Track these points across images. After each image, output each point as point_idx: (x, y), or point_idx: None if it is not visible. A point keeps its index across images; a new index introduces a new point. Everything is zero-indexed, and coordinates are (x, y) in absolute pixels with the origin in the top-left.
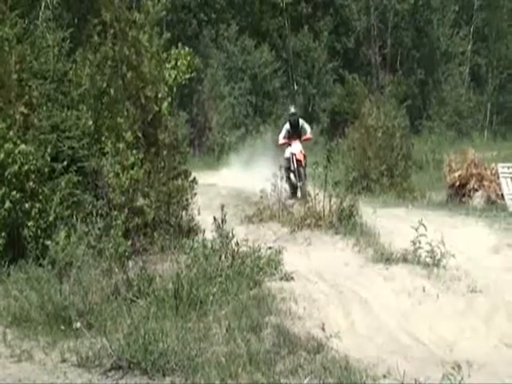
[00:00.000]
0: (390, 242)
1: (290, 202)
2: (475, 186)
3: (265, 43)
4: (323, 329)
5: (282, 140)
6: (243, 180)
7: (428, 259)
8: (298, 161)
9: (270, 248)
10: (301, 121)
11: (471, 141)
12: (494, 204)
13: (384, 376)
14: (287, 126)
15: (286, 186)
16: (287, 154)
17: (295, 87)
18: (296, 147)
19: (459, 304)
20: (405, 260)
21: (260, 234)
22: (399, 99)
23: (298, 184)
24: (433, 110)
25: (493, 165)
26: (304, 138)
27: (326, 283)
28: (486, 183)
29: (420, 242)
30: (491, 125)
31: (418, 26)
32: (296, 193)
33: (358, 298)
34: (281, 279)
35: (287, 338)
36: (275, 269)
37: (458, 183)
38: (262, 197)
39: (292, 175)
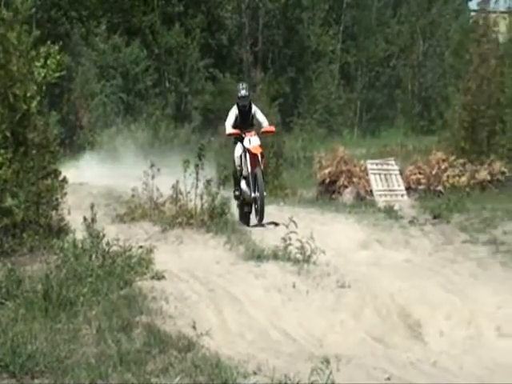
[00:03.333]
0: (262, 239)
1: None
2: (345, 183)
3: (136, 40)
4: (194, 327)
5: (229, 129)
6: (114, 179)
7: (298, 256)
8: (253, 156)
9: (141, 247)
10: (253, 108)
11: (341, 138)
12: (364, 200)
13: (254, 373)
14: (235, 110)
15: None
16: (238, 151)
17: (167, 85)
18: (251, 141)
19: (328, 299)
20: (275, 257)
21: (131, 233)
22: (271, 97)
23: (253, 195)
24: (304, 108)
25: (362, 161)
26: (264, 129)
27: (198, 281)
28: (355, 180)
29: (290, 239)
30: (361, 122)
31: (289, 24)
32: (249, 211)
33: (229, 296)
34: (152, 278)
35: (158, 338)
36: (146, 268)
37: (328, 180)
38: (133, 195)
39: (244, 183)
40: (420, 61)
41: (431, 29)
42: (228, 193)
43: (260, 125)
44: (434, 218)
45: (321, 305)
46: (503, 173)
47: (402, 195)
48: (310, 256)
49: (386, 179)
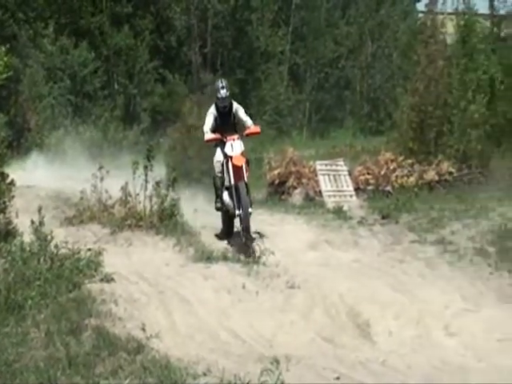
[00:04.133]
0: (211, 240)
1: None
2: (294, 184)
3: (84, 42)
4: (144, 329)
5: (209, 134)
6: (63, 181)
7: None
8: (237, 168)
9: (89, 250)
10: (234, 106)
11: (291, 139)
12: (313, 201)
13: (204, 374)
14: (213, 111)
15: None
16: (218, 156)
17: (116, 87)
18: (234, 147)
19: (278, 300)
20: (225, 258)
21: (80, 236)
22: None
23: (237, 212)
24: (253, 109)
25: (311, 162)
26: (247, 131)
27: (147, 283)
28: (304, 180)
29: None
30: (310, 123)
31: (238, 25)
32: (232, 226)
33: (179, 298)
34: (101, 281)
35: (107, 340)
36: (95, 270)
37: (277, 181)
38: (82, 198)
39: (226, 195)
40: (368, 62)
41: (379, 30)
42: (177, 194)
43: (243, 124)
44: (383, 218)
45: (270, 305)
46: (451, 173)
47: (351, 196)
48: (259, 257)
49: (334, 180)
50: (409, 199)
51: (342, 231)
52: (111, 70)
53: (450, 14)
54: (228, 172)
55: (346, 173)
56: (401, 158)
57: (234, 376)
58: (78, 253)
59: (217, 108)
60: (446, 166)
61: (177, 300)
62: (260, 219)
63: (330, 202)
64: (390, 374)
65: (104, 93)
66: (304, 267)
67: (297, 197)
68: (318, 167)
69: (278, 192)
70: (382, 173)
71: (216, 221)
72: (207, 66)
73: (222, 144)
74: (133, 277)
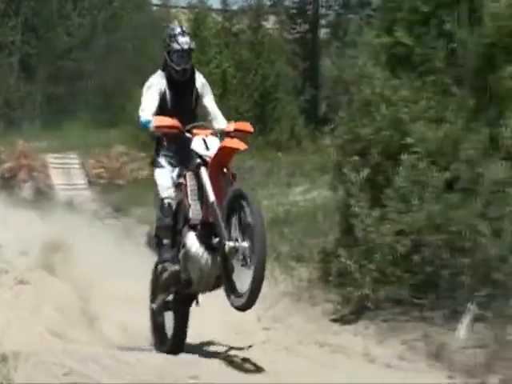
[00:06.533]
0: None
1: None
2: (25, 177)
3: None
4: None
5: (158, 118)
6: None
7: None
8: (226, 155)
9: None
10: (199, 80)
11: (22, 132)
12: (45, 194)
13: None
14: (159, 80)
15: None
16: (164, 174)
17: None
18: (209, 144)
19: (6, 296)
20: None
21: None
22: None
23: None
24: None
25: (43, 156)
26: (237, 126)
27: None
28: (35, 174)
29: None
30: (42, 115)
31: None
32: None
33: None
34: None
35: None
36: None
37: (7, 175)
38: None
39: (193, 237)
40: (102, 54)
41: (113, 22)
42: None
43: (209, 118)
44: (116, 211)
45: None
46: None
47: (84, 189)
48: None
49: (67, 173)
50: (141, 192)
51: (75, 225)
52: None
53: (183, 8)
54: (192, 190)
55: (79, 166)
56: (134, 151)
57: None
58: None
59: (168, 77)
60: None
61: None
62: None
63: (62, 196)
64: (120, 368)
65: None
66: (34, 263)
67: (27, 191)
68: (50, 160)
69: (9, 186)
70: (115, 166)
71: None
72: None
73: (179, 143)
74: None
